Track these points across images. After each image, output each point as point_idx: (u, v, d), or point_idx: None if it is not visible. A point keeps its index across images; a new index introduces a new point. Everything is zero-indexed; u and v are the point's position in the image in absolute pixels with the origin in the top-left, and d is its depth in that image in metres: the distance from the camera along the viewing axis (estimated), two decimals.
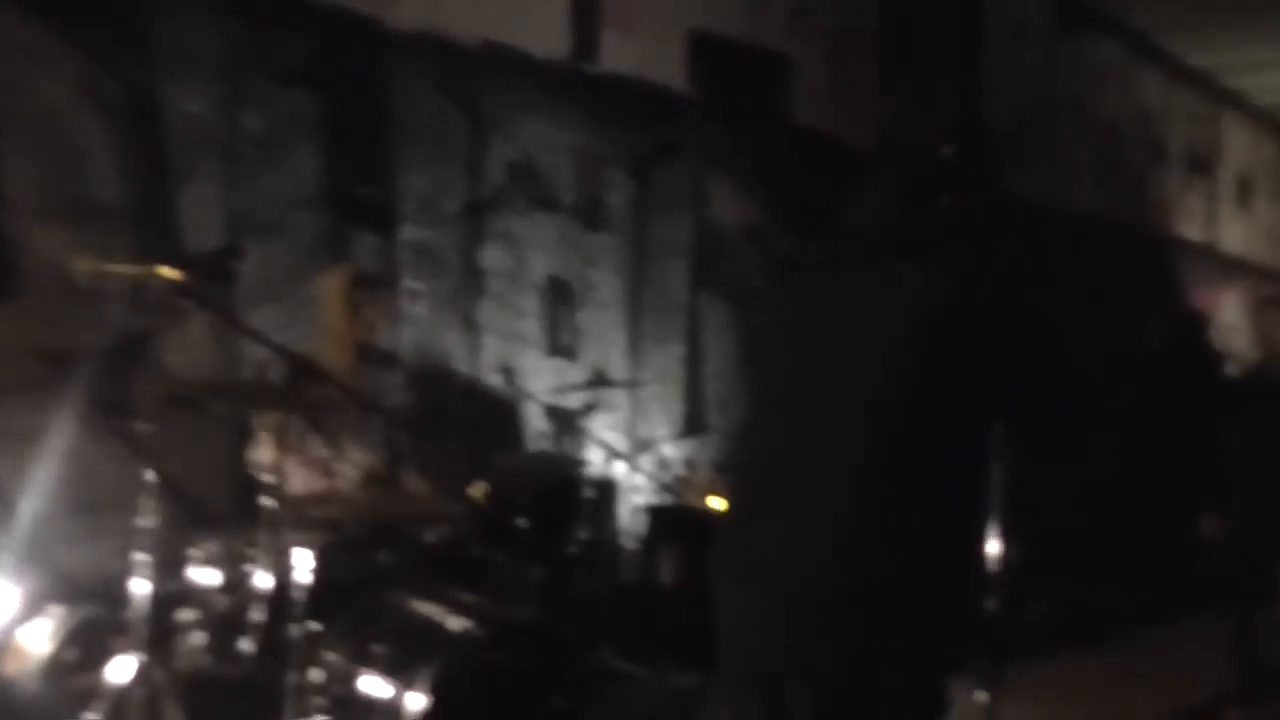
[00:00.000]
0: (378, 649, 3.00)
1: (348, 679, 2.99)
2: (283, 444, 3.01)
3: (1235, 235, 10.21)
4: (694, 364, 5.67)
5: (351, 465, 3.55)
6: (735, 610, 2.03)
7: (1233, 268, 10.00)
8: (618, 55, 5.28)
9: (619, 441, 5.25)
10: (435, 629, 3.06)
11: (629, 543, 5.23)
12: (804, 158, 6.08)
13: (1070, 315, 2.20)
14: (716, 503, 4.92)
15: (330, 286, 3.83)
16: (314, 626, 2.98)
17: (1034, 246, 2.07)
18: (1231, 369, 6.06)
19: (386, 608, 3.14)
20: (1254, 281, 10.17)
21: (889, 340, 1.91)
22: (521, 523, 3.82)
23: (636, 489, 5.33)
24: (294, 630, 2.91)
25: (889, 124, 6.70)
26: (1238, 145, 10.21)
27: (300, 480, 3.40)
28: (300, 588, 2.94)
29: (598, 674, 4.25)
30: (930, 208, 2.05)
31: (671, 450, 5.57)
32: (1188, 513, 5.89)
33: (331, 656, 3.03)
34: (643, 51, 5.39)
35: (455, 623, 3.04)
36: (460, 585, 3.33)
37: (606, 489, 4.63)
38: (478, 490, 3.69)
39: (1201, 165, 9.73)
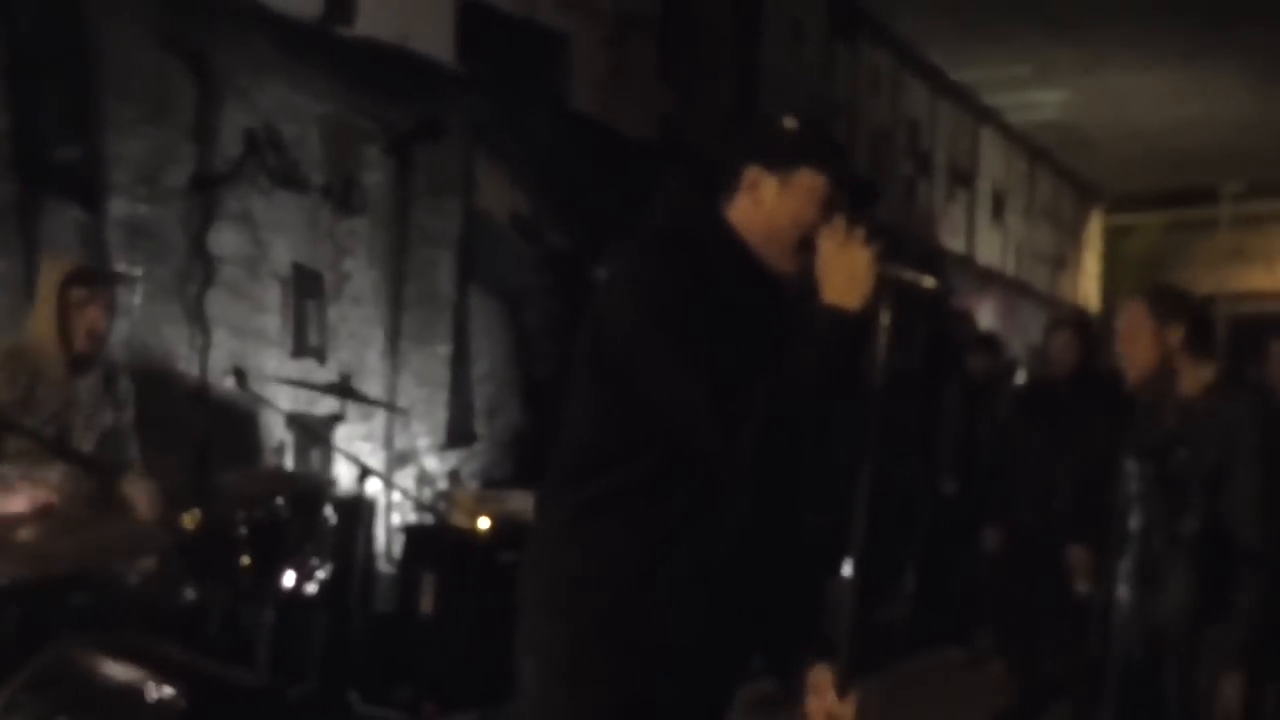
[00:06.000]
0: None
1: None
2: None
3: (990, 247, 10.52)
4: (461, 367, 5.12)
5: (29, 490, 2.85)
6: None
7: (987, 279, 10.30)
8: (377, 19, 4.69)
9: (374, 454, 4.66)
10: (131, 697, 2.42)
11: (385, 568, 4.66)
12: (579, 146, 5.67)
13: None
14: (484, 522, 4.41)
15: (43, 281, 3.14)
16: None
17: None
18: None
19: (69, 670, 2.49)
20: (1004, 293, 10.54)
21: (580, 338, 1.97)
22: (246, 557, 3.20)
23: (394, 507, 4.76)
24: None
25: (669, 116, 6.45)
26: (993, 161, 10.53)
27: None
28: None
29: None
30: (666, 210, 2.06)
31: (434, 463, 5.01)
32: (963, 521, 5.86)
33: None
34: (405, 17, 4.83)
35: (156, 689, 2.41)
36: (168, 638, 2.71)
37: (357, 510, 4.06)
38: (189, 518, 3.03)
39: (962, 178, 9.96)
